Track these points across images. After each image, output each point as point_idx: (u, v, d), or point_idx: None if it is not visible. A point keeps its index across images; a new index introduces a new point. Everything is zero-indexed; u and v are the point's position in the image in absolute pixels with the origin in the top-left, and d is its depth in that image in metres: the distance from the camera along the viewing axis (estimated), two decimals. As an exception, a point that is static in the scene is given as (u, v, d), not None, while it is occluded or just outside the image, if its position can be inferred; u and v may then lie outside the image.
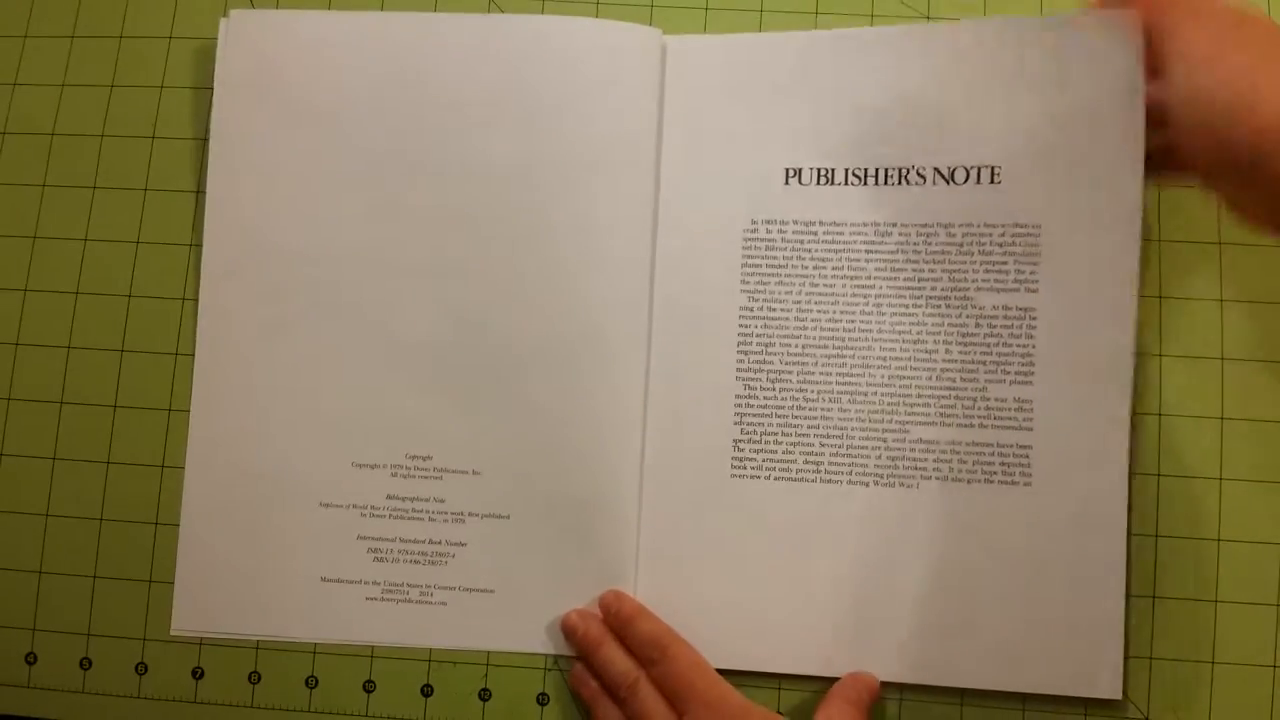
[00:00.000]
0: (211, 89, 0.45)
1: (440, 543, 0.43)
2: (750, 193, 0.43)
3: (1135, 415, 0.41)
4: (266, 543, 0.43)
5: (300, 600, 0.43)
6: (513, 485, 0.43)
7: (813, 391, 0.42)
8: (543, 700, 0.42)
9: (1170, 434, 0.42)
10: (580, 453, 0.42)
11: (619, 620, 0.41)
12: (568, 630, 0.41)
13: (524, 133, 0.43)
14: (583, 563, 0.42)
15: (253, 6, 0.47)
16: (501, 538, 0.43)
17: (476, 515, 0.43)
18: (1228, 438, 0.42)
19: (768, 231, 0.43)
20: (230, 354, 0.44)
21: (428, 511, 0.43)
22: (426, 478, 0.43)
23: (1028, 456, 0.41)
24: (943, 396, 0.41)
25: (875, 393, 0.42)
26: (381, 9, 0.47)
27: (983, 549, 0.41)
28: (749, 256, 0.43)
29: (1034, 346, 0.41)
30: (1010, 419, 0.41)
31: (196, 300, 0.45)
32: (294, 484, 0.43)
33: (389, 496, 0.43)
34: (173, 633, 0.43)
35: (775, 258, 0.43)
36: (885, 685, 0.41)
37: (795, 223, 0.43)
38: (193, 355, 0.44)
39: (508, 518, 0.43)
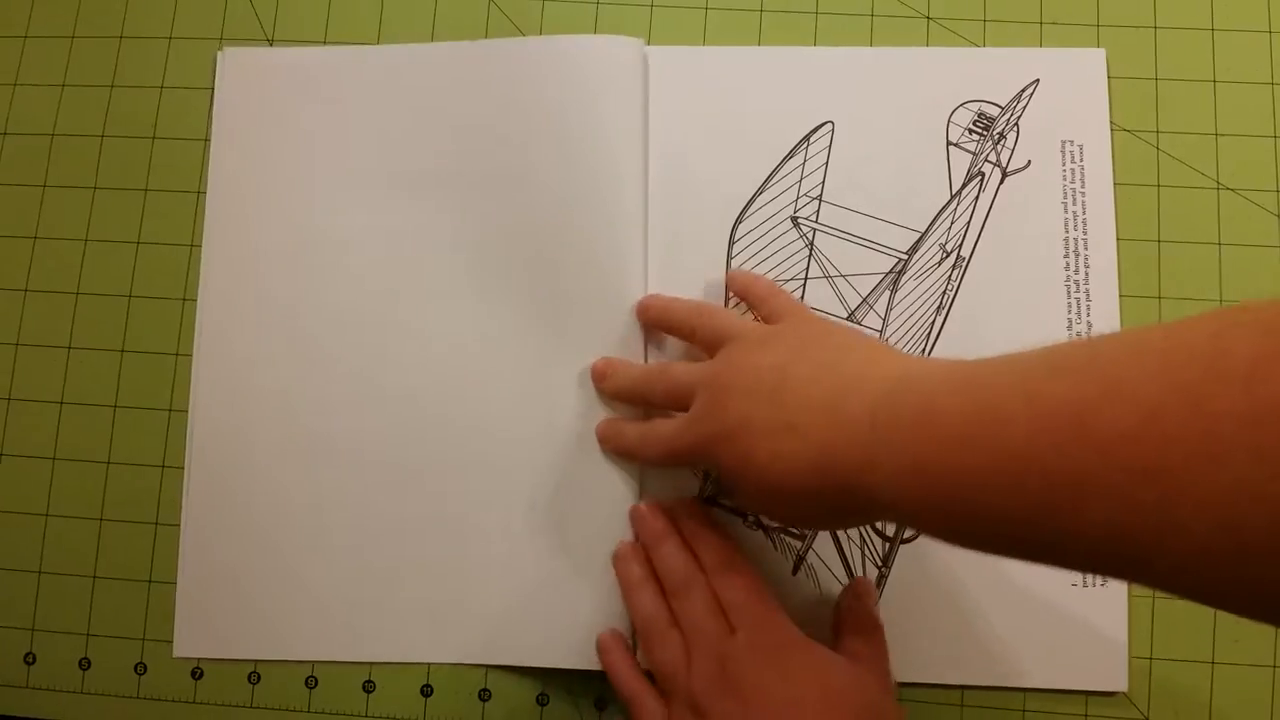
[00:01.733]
0: (212, 89, 0.46)
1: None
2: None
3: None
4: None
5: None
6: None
7: None
8: (542, 700, 0.42)
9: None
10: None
11: (690, 525, 0.40)
12: (636, 517, 0.41)
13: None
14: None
15: (257, 17, 0.47)
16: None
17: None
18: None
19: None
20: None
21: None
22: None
23: None
24: None
25: None
26: (378, 36, 0.47)
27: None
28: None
29: None
30: None
31: (197, 301, 0.45)
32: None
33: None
34: (175, 657, 0.43)
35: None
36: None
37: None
38: (192, 356, 0.45)
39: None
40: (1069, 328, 0.42)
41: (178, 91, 0.47)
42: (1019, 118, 0.44)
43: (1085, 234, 0.43)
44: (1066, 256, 0.43)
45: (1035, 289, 0.43)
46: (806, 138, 0.44)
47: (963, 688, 0.41)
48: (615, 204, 0.43)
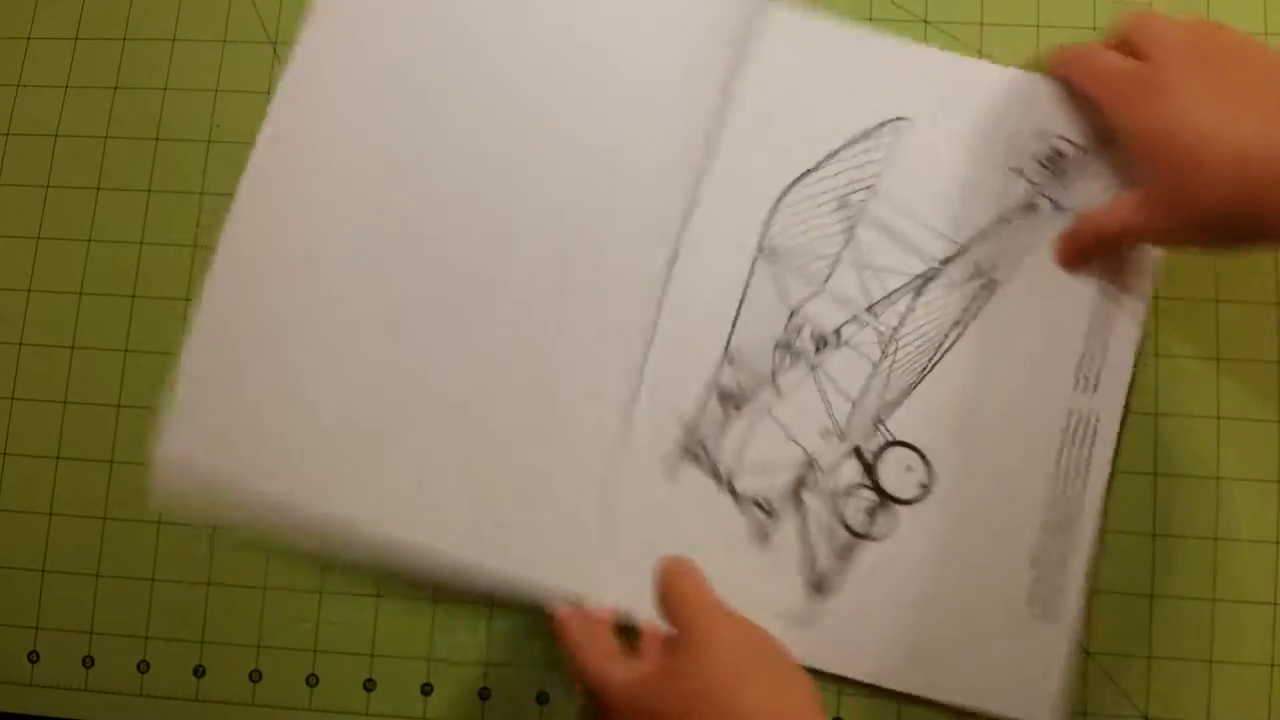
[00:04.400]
0: (216, 91, 0.47)
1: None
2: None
3: (1130, 415, 0.42)
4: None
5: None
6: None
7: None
8: (542, 699, 0.43)
9: (1165, 433, 0.42)
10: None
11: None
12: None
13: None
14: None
15: (260, 19, 0.47)
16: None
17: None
18: (1224, 437, 0.42)
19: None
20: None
21: None
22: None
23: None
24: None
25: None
26: None
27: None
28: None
29: None
30: None
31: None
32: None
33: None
34: (159, 450, 0.40)
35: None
36: (836, 678, 0.41)
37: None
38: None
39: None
40: (1077, 370, 0.42)
41: (181, 93, 0.47)
42: (1090, 163, 0.43)
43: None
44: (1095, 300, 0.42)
45: (1059, 321, 0.42)
46: (880, 127, 0.44)
47: (899, 696, 0.40)
48: (680, 135, 0.43)
